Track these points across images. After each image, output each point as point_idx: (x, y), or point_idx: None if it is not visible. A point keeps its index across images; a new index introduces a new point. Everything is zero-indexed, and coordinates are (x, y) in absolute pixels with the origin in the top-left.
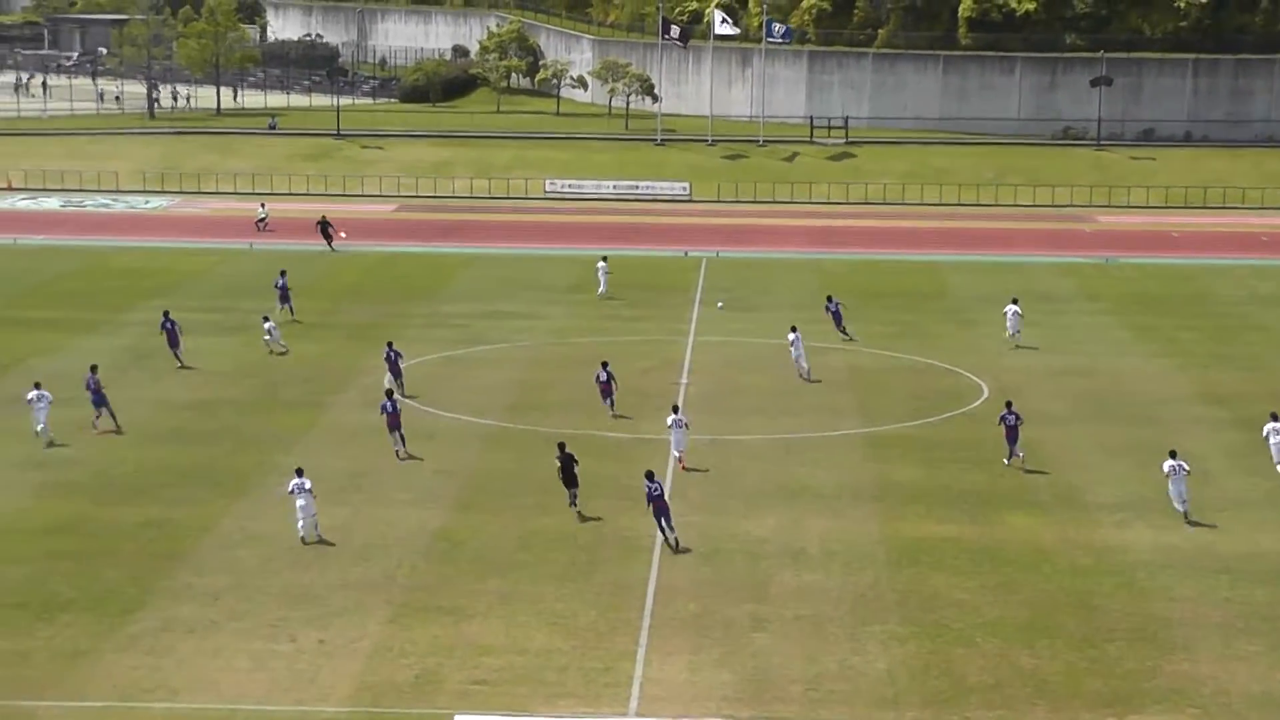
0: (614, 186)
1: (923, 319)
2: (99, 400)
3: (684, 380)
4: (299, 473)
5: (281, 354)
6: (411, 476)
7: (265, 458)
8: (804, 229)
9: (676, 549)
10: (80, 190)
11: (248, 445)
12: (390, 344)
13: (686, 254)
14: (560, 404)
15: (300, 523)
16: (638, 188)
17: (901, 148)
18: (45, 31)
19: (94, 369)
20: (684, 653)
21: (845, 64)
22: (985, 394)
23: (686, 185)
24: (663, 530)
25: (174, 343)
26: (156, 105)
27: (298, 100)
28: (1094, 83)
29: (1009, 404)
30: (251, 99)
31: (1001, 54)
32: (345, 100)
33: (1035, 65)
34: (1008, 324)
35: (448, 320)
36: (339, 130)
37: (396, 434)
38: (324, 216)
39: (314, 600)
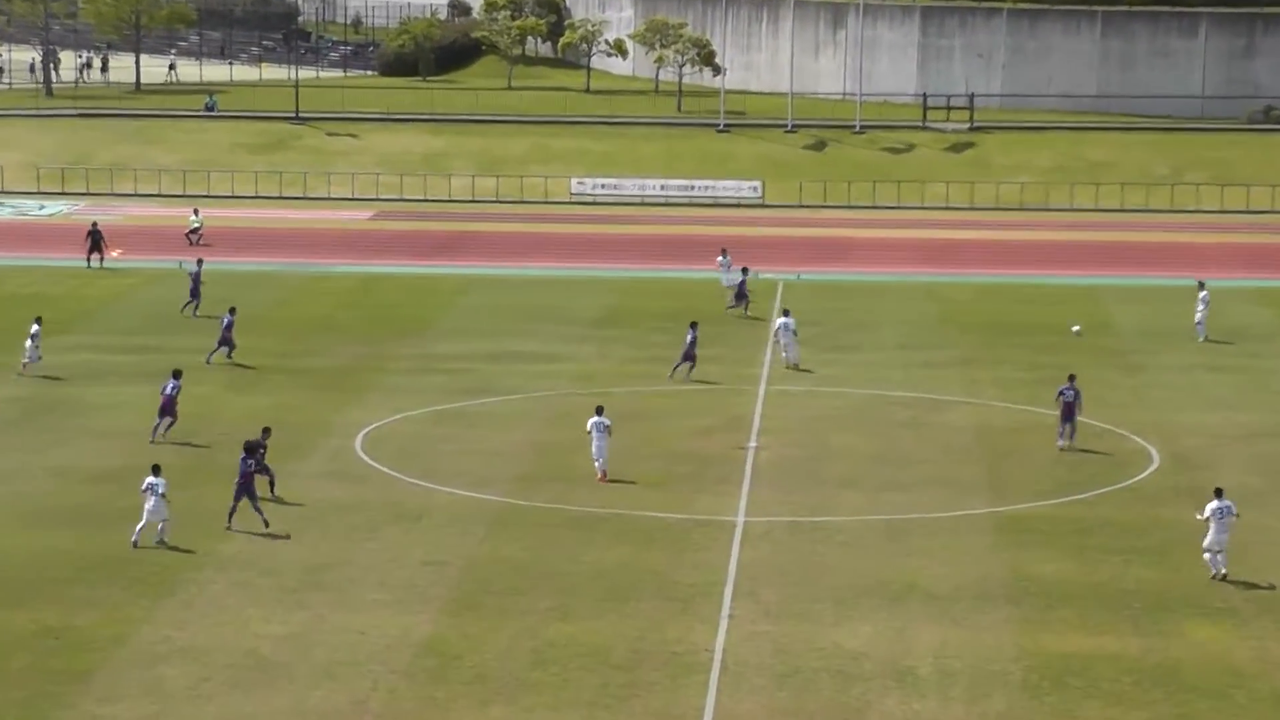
0: (662, 187)
1: (1074, 361)
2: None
3: (753, 444)
4: (155, 470)
5: (30, 374)
6: (392, 570)
7: (199, 544)
8: (915, 242)
9: (228, 519)
10: None
11: (176, 529)
12: (232, 310)
13: (758, 275)
14: (589, 474)
15: (141, 525)
16: (694, 188)
17: (1045, 134)
18: None
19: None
20: None
21: (970, 24)
22: (1155, 462)
23: (758, 184)
24: (255, 509)
25: None
26: (55, 79)
27: (244, 73)
28: None
29: (1071, 377)
30: (184, 71)
31: (1180, 9)
32: (307, 73)
33: (1226, 24)
34: (1197, 315)
35: (442, 363)
36: (298, 112)
37: (165, 420)
38: (95, 224)
39: None
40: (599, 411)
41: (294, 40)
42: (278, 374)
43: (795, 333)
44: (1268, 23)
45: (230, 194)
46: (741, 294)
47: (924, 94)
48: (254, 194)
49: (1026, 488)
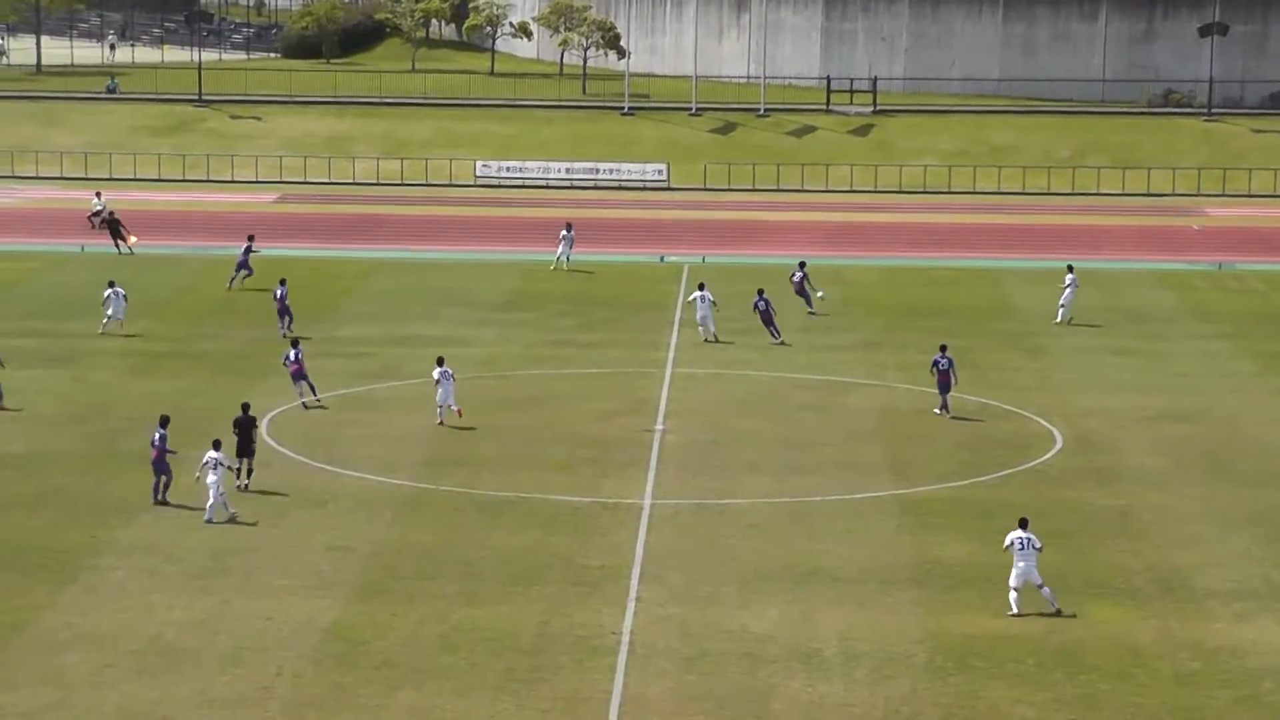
0: (567, 170)
1: (976, 345)
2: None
3: (659, 426)
4: (216, 445)
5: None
6: (297, 555)
7: (100, 531)
8: (819, 225)
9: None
10: None
11: (77, 514)
12: (283, 281)
13: (663, 259)
14: (495, 458)
15: (210, 502)
16: (598, 171)
17: (948, 118)
18: None
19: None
20: None
21: (873, 8)
22: (1059, 444)
23: (663, 168)
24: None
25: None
26: None
27: (146, 55)
28: (1204, 31)
29: (943, 347)
30: (84, 53)
31: None
32: (210, 55)
33: (1126, 8)
34: (1062, 297)
35: (346, 347)
36: (201, 95)
37: (304, 383)
38: (113, 213)
39: None
40: (440, 362)
41: (196, 22)
42: (180, 358)
43: (715, 304)
44: (1167, 7)
45: (133, 177)
46: (802, 291)
47: (827, 77)
48: (157, 177)
49: (930, 470)
